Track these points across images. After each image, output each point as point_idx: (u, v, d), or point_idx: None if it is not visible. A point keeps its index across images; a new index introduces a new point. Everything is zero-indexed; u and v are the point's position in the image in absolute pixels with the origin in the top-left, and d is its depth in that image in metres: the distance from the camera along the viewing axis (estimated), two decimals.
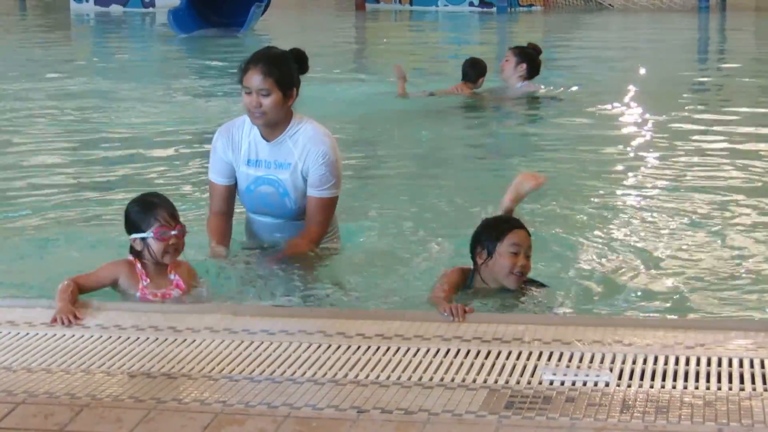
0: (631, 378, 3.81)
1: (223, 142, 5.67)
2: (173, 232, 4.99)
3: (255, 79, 5.42)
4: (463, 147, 10.25)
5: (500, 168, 8.76)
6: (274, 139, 5.57)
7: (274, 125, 5.54)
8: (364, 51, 22.59)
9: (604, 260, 5.91)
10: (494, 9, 31.50)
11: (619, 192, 7.83)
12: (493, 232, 5.06)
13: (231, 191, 5.74)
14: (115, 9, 32.28)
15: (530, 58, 11.70)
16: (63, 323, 4.50)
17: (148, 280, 5.02)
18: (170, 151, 9.69)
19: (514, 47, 12.06)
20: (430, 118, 11.35)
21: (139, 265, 5.03)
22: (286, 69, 5.50)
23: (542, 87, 12.28)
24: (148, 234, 4.98)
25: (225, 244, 5.66)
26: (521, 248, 4.99)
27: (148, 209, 5.02)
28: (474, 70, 12.07)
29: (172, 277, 5.05)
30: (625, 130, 10.90)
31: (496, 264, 5.00)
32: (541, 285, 5.15)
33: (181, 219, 5.12)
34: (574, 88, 12.82)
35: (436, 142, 10.41)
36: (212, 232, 5.69)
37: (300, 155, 5.54)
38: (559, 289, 5.23)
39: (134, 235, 5.03)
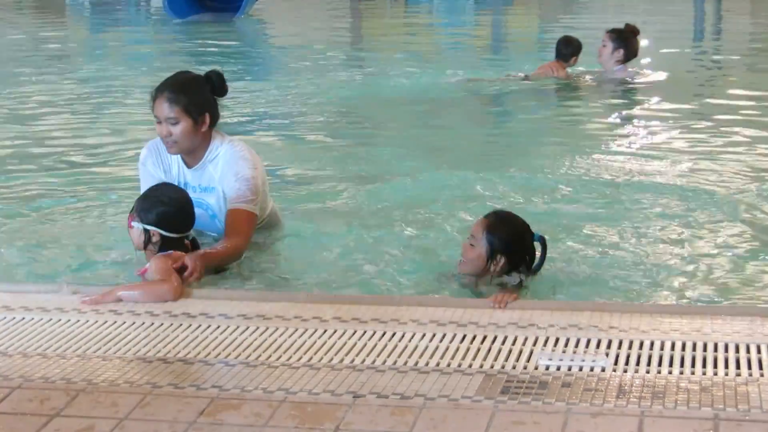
0: (627, 363, 3.81)
1: (153, 161, 5.56)
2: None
3: (162, 107, 5.30)
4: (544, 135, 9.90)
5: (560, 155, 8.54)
6: (194, 165, 5.48)
7: (190, 152, 5.44)
8: (367, 38, 22.54)
9: (600, 245, 5.91)
10: None
11: (612, 176, 7.80)
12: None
13: None
14: None
15: (627, 42, 11.43)
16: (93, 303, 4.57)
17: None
18: None
19: (611, 30, 11.72)
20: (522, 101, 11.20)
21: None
22: (194, 94, 5.36)
23: (638, 70, 12.02)
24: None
25: None
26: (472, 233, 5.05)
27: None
28: (567, 48, 11.83)
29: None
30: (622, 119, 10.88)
31: None
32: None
33: None
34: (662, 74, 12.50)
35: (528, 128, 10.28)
36: None
37: (220, 179, 5.43)
38: (556, 275, 5.23)
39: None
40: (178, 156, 5.50)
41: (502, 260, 4.98)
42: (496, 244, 4.98)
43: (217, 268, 5.23)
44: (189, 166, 5.51)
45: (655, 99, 11.35)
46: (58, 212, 6.89)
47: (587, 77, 12.07)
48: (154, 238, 5.07)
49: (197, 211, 5.34)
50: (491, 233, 4.98)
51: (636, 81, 11.97)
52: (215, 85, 5.48)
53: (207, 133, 5.44)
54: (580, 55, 11.94)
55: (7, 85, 13.07)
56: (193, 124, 5.34)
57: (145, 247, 5.11)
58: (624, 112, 10.87)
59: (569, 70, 12.01)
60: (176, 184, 5.44)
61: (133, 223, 5.11)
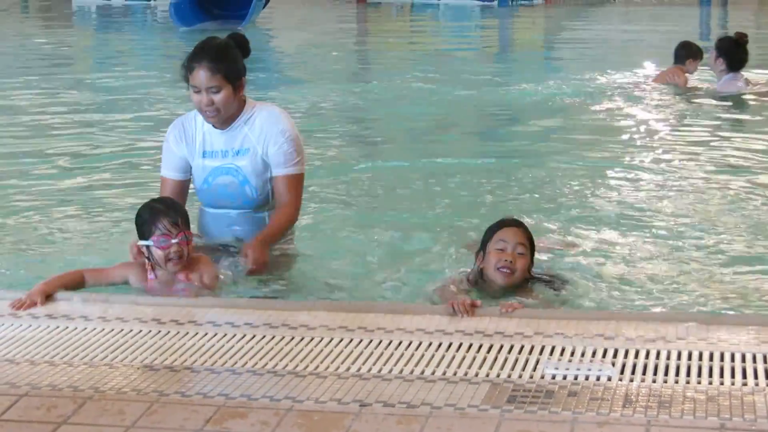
0: (633, 372, 3.81)
1: (176, 135, 5.52)
2: (174, 241, 4.94)
3: (202, 77, 5.25)
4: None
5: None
6: (228, 127, 5.42)
7: (228, 118, 5.40)
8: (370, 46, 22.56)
9: (607, 255, 5.91)
10: (495, 2, 31.47)
11: (626, 184, 7.81)
12: (487, 232, 5.08)
13: (183, 187, 5.57)
14: (117, 1, 32.28)
15: (728, 51, 10.98)
16: (18, 307, 4.57)
17: (156, 281, 5.02)
18: None
19: (718, 38, 11.34)
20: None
21: (151, 273, 5.04)
22: (231, 61, 5.35)
23: (748, 81, 11.41)
24: (149, 242, 4.98)
25: None
26: (508, 244, 4.95)
27: (150, 216, 5.00)
28: (684, 51, 11.64)
29: (179, 285, 5.02)
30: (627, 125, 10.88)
31: (487, 262, 5.00)
32: (550, 282, 5.11)
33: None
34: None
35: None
36: None
37: (258, 138, 5.41)
38: (564, 284, 5.22)
39: (140, 242, 5.03)
40: (207, 125, 5.44)
41: (532, 268, 5.04)
42: (533, 244, 5.02)
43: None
44: (222, 129, 5.42)
45: (748, 116, 10.80)
46: (57, 219, 6.90)
47: (704, 86, 11.67)
48: (145, 252, 5.04)
49: (225, 179, 5.39)
50: (530, 236, 5.00)
51: (744, 94, 11.34)
52: (242, 47, 5.55)
53: (241, 97, 5.43)
54: (701, 59, 11.59)
55: (12, 90, 13.11)
56: (232, 90, 5.31)
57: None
58: (688, 124, 10.51)
59: (695, 74, 11.66)
60: (200, 154, 5.45)
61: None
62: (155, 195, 5.55)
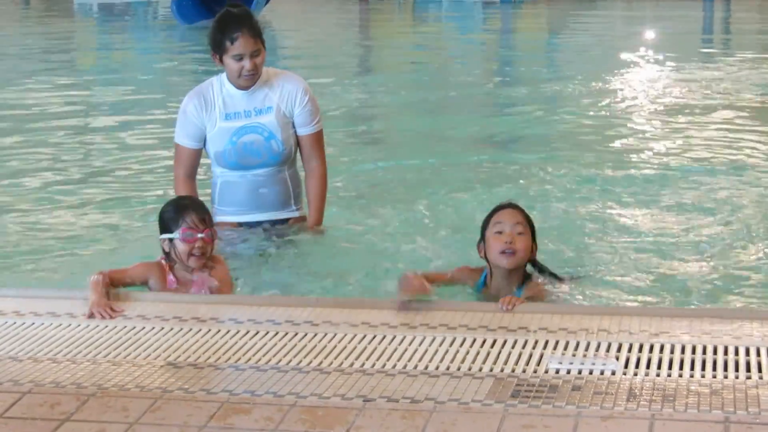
0: (637, 366, 3.80)
1: (195, 104, 5.74)
2: (200, 235, 4.96)
3: (249, 42, 5.59)
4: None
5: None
6: (250, 88, 5.70)
7: None
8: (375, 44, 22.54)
9: (611, 250, 5.90)
10: None
11: (626, 182, 7.80)
12: (484, 221, 4.97)
13: (198, 155, 5.85)
14: None
15: None
16: (101, 317, 4.48)
17: (176, 282, 5.01)
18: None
19: None
20: None
21: (170, 275, 5.02)
22: (258, 24, 5.71)
23: None
24: (175, 234, 4.98)
25: None
26: (506, 225, 4.83)
27: (178, 210, 5.03)
28: None
29: (194, 277, 5.02)
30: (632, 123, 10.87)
31: (488, 248, 4.88)
32: (557, 277, 5.04)
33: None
34: None
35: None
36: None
37: (280, 97, 5.74)
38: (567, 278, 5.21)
39: (163, 236, 5.03)
40: (225, 90, 5.71)
41: (535, 250, 4.92)
42: (532, 226, 4.92)
43: None
44: (245, 89, 5.68)
45: None
46: (68, 217, 6.90)
47: None
48: (166, 247, 5.04)
49: (251, 137, 5.68)
50: (527, 216, 4.91)
51: None
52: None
53: None
54: None
55: (14, 88, 13.11)
56: (264, 51, 5.68)
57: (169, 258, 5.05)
58: None
59: None
60: (222, 117, 5.68)
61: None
62: (158, 191, 5.57)
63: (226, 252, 5.48)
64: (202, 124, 5.72)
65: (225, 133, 5.71)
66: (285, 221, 5.88)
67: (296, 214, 5.92)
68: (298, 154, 5.91)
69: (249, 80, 5.66)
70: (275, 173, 5.79)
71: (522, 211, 4.94)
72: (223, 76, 5.72)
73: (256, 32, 5.60)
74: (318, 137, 5.86)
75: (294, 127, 5.79)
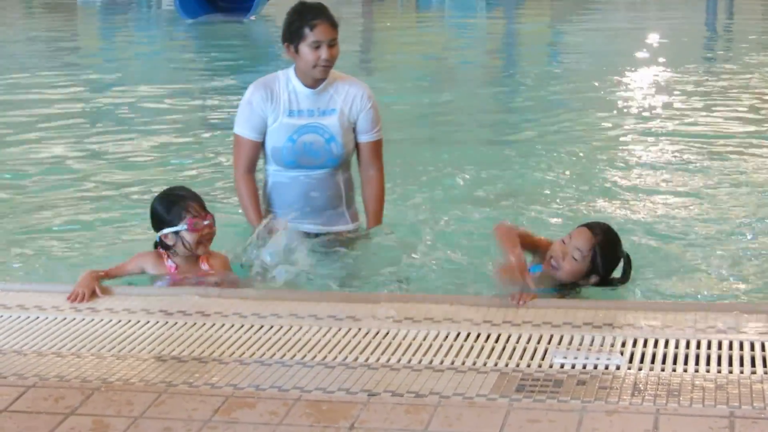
0: (642, 361, 3.80)
1: (261, 95, 5.58)
2: (206, 222, 4.98)
3: (327, 31, 5.49)
4: None
5: None
6: (317, 87, 5.58)
7: (321, 78, 5.59)
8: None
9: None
10: None
11: (630, 173, 7.80)
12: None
13: (258, 148, 5.66)
14: None
15: None
16: (78, 298, 4.53)
17: (175, 268, 5.01)
18: (183, 138, 9.63)
19: None
20: None
21: (169, 260, 5.02)
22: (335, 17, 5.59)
23: None
24: (182, 226, 4.96)
25: (260, 213, 5.59)
26: (576, 244, 4.73)
27: (177, 202, 5.01)
28: None
29: (204, 267, 5.03)
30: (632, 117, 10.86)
31: (552, 251, 4.78)
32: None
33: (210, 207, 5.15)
34: None
35: None
36: (251, 198, 5.60)
37: (345, 100, 5.62)
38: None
39: (166, 230, 5.00)
40: (291, 85, 5.58)
41: (594, 280, 4.79)
42: (599, 266, 4.74)
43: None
44: (313, 88, 5.59)
45: None
46: (71, 211, 6.91)
47: None
48: (170, 241, 5.04)
49: (311, 137, 5.54)
50: (601, 255, 4.73)
51: None
52: None
53: None
54: None
55: (16, 86, 13.11)
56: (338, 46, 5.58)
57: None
58: None
59: None
60: (286, 113, 5.55)
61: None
62: (158, 189, 5.53)
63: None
64: (266, 115, 5.56)
65: (286, 130, 5.56)
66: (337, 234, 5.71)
67: (351, 227, 5.75)
68: (353, 158, 5.78)
69: (324, 72, 5.50)
70: (329, 176, 5.64)
71: (593, 242, 4.74)
72: (290, 71, 5.57)
73: (334, 22, 5.50)
74: (378, 145, 5.75)
75: (354, 132, 5.67)
